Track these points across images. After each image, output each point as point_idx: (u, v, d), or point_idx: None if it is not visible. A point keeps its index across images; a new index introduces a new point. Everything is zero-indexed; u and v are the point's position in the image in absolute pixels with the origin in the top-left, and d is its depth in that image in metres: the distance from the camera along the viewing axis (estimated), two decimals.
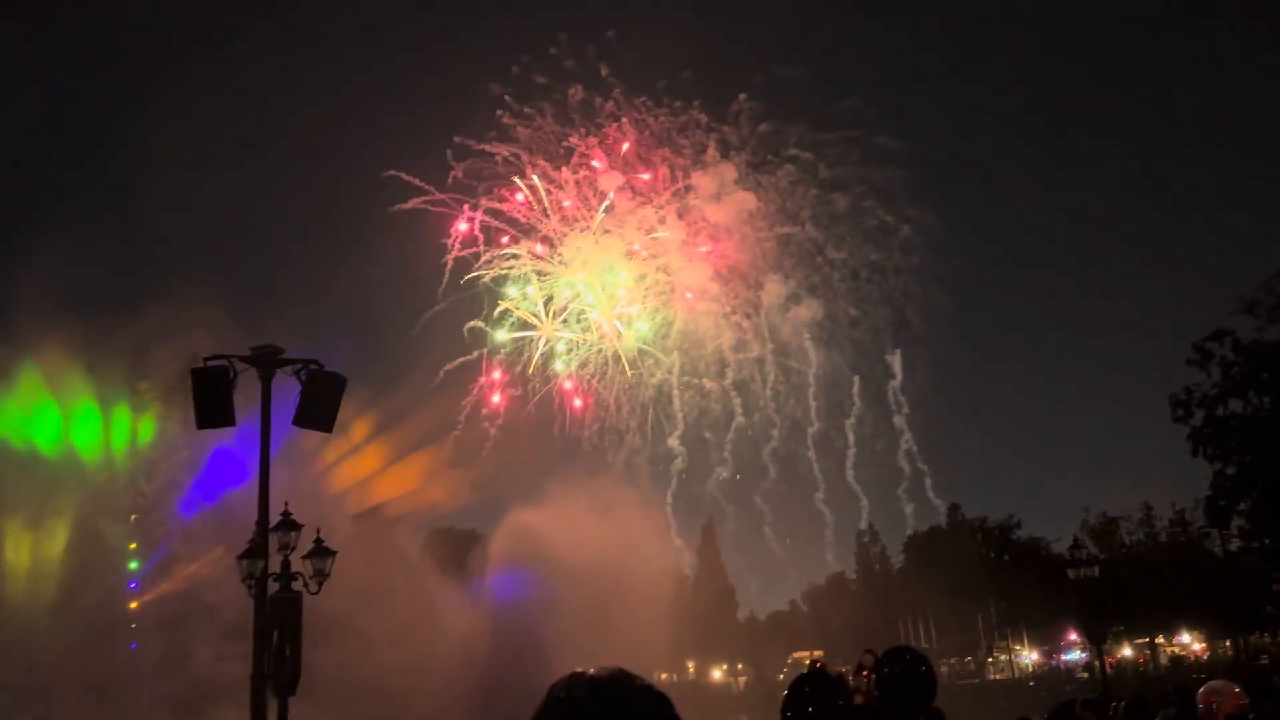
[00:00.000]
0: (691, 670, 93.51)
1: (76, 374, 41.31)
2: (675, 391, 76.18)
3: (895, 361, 79.16)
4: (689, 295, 74.53)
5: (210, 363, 16.29)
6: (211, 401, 16.27)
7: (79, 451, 41.27)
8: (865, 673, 14.56)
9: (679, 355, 75.44)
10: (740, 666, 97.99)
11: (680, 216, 74.13)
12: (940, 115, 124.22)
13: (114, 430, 41.95)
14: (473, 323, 72.12)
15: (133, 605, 42.49)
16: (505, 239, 72.44)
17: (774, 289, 76.25)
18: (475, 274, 71.83)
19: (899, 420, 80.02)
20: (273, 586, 16.03)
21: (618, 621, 46.95)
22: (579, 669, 2.09)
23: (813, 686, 4.79)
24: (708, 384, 76.72)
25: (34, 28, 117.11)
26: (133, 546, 42.69)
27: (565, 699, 2.01)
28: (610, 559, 51.99)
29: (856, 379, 79.27)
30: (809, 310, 77.07)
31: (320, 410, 16.82)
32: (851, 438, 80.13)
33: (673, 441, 77.84)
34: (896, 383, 79.21)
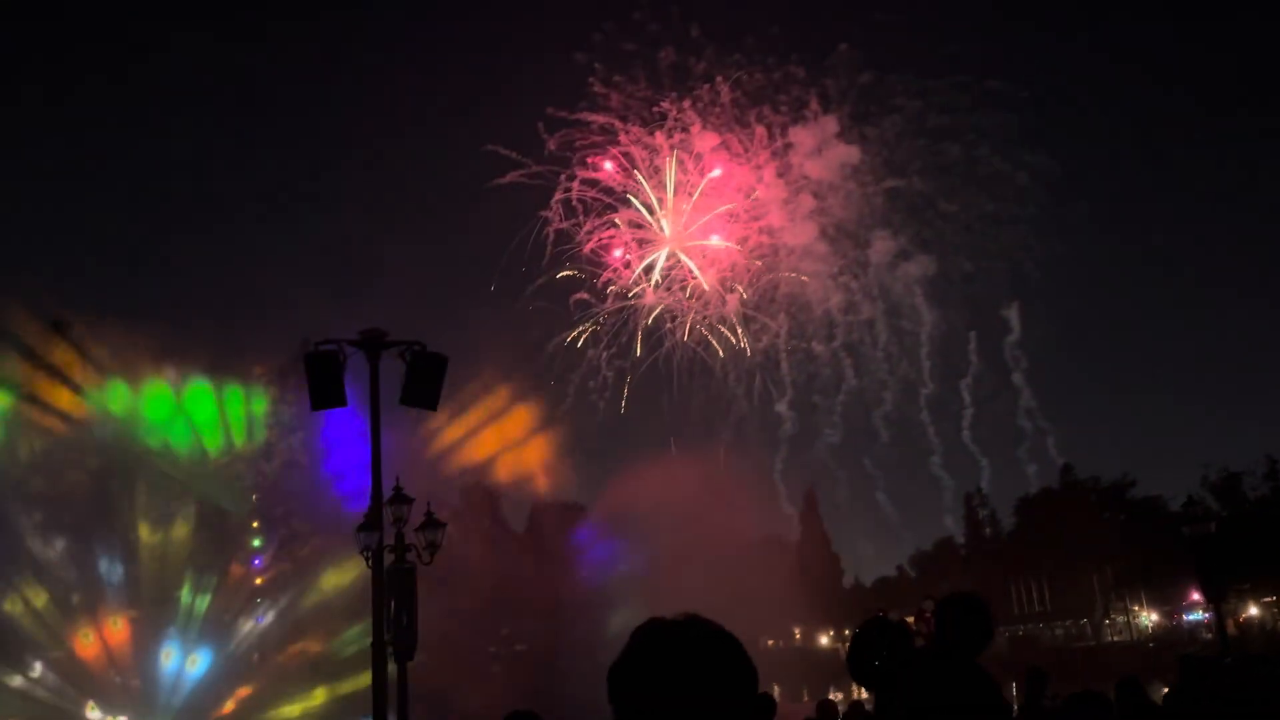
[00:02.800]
0: (798, 636, 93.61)
1: (193, 364, 43.30)
2: (783, 356, 75.40)
3: (1013, 315, 76.33)
4: (795, 256, 73.30)
5: (321, 347, 17.03)
6: (324, 384, 17.05)
7: (203, 440, 43.37)
8: (927, 615, 14.50)
9: (786, 318, 74.52)
10: (846, 633, 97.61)
11: (780, 175, 72.79)
12: (1052, 54, 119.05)
13: (230, 415, 43.90)
14: (577, 294, 72.54)
15: (259, 581, 44.57)
16: (603, 208, 72.48)
17: (883, 246, 74.01)
18: (575, 245, 72.20)
19: (1018, 377, 77.52)
20: (389, 559, 16.81)
21: (723, 589, 47.30)
22: (656, 616, 2.22)
23: (875, 635, 4.99)
24: (816, 347, 75.67)
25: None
26: (255, 525, 44.68)
27: (643, 642, 2.14)
28: (717, 527, 52.29)
29: (973, 335, 76.85)
30: (920, 266, 74.61)
31: (425, 389, 17.45)
32: (968, 398, 77.95)
33: (781, 407, 77.17)
34: (1014, 337, 76.50)
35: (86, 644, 41.46)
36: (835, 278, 74.50)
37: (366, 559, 16.80)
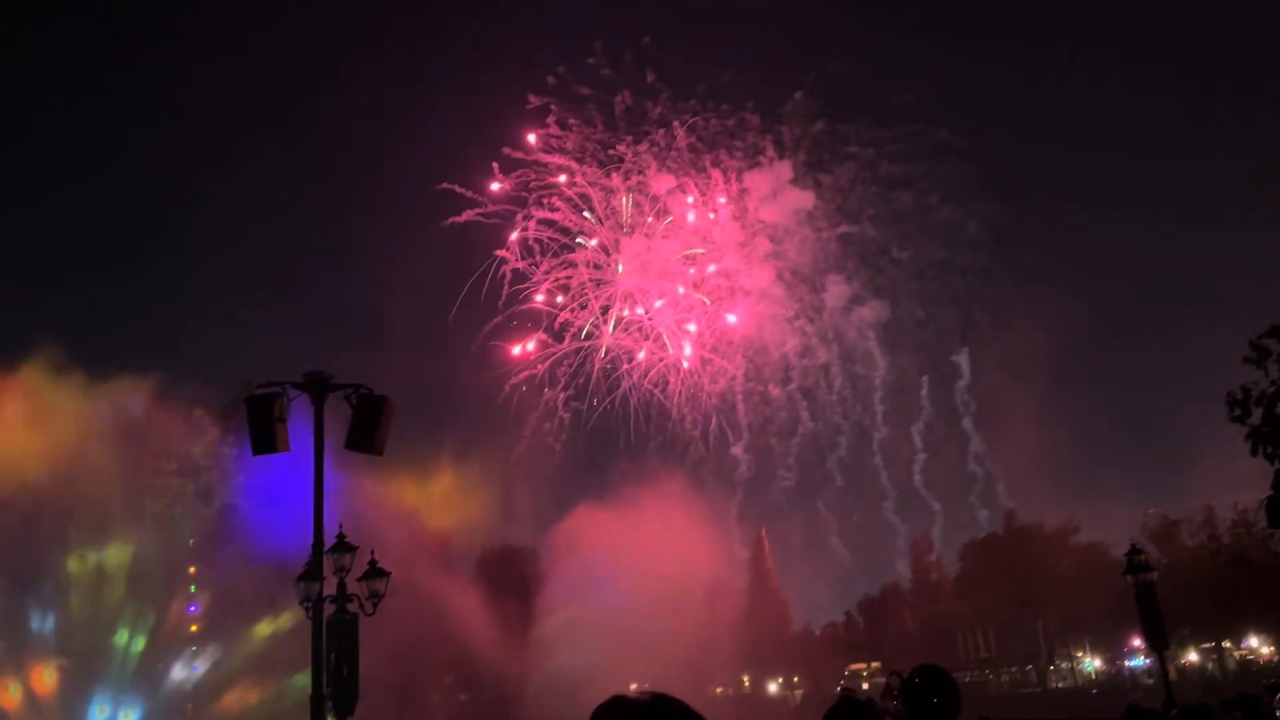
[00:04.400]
0: (747, 684, 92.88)
1: (136, 404, 42.29)
2: (739, 398, 75.67)
3: (963, 361, 77.78)
4: (749, 299, 73.98)
5: (262, 390, 16.64)
6: (264, 428, 16.62)
7: (139, 483, 42.20)
8: (893, 693, 14.50)
9: (743, 360, 74.92)
10: (796, 679, 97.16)
11: (736, 219, 73.71)
12: (1003, 105, 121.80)
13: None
14: (533, 335, 72.38)
15: (193, 629, 43.29)
16: (559, 249, 72.69)
17: (837, 290, 75.19)
18: (531, 285, 72.17)
19: (967, 423, 78.74)
20: (330, 608, 16.33)
21: (673, 635, 46.86)
22: (619, 694, 2.11)
23: (846, 714, 4.93)
24: (773, 390, 76.09)
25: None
26: (191, 570, 43.54)
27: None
28: (669, 571, 51.91)
29: (925, 380, 78.00)
30: (874, 311, 75.88)
31: (369, 433, 17.11)
32: (919, 442, 79.02)
33: (737, 450, 77.30)
34: (964, 382, 77.82)
35: (10, 695, 39.82)
36: (791, 321, 75.45)
37: (306, 609, 16.28)
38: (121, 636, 40.69)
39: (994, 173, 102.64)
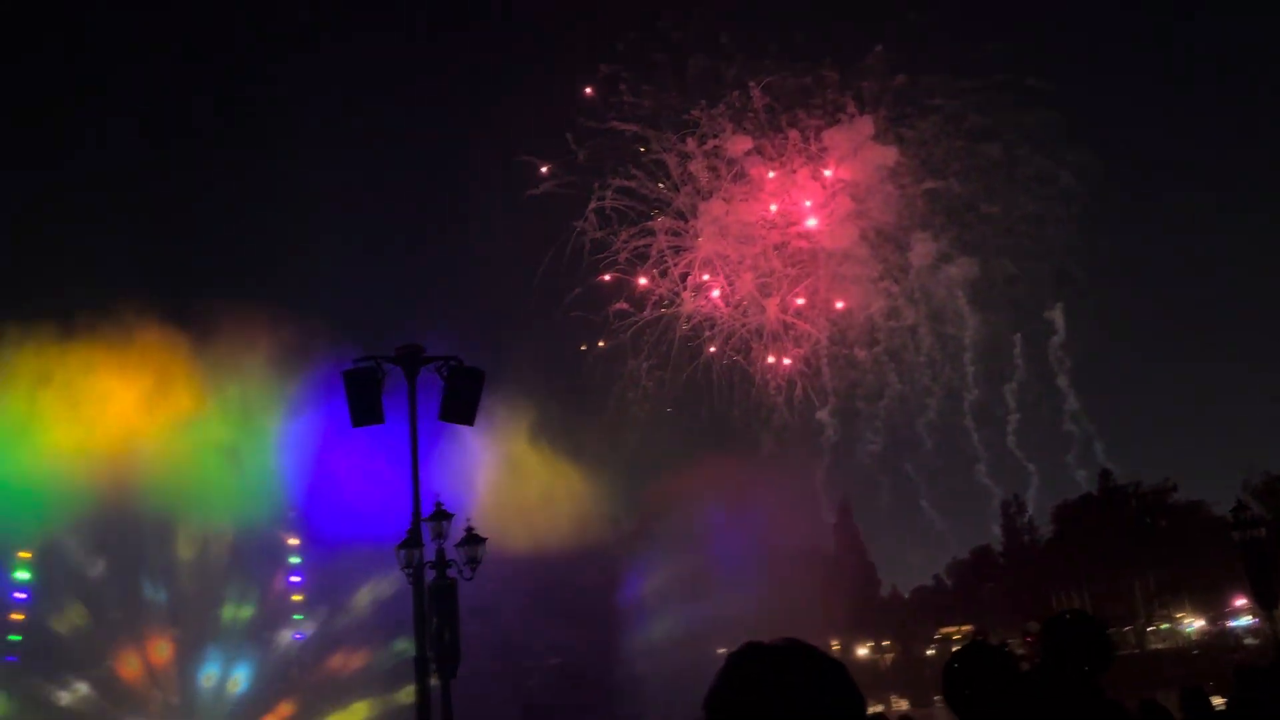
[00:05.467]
0: (836, 648, 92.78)
1: (234, 379, 43.32)
2: (824, 362, 74.76)
3: (1057, 317, 75.06)
4: (833, 261, 72.72)
5: (359, 364, 17.18)
6: (363, 401, 17.21)
7: (243, 456, 43.47)
8: (1029, 639, 14.15)
9: (827, 324, 73.89)
10: (886, 643, 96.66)
11: (816, 179, 72.39)
12: (1093, 49, 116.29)
13: (270, 430, 43.99)
14: (615, 304, 72.48)
15: (297, 597, 44.77)
16: (636, 216, 72.45)
17: (924, 249, 73.00)
18: (609, 254, 72.23)
19: (1062, 381, 76.36)
20: (431, 574, 16.85)
21: (760, 602, 47.00)
22: (754, 640, 2.15)
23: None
24: (859, 353, 74.93)
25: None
26: (294, 541, 44.85)
27: (744, 669, 2.08)
28: (755, 538, 52.00)
29: (1018, 338, 75.71)
30: (962, 269, 73.41)
31: (462, 404, 17.57)
32: (1013, 403, 76.85)
33: (822, 415, 76.46)
34: (1059, 339, 75.27)
35: (129, 663, 41.85)
36: (876, 282, 73.92)
37: (408, 575, 16.86)
38: (229, 609, 42.35)
39: (1086, 120, 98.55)
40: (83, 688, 40.43)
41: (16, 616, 36.32)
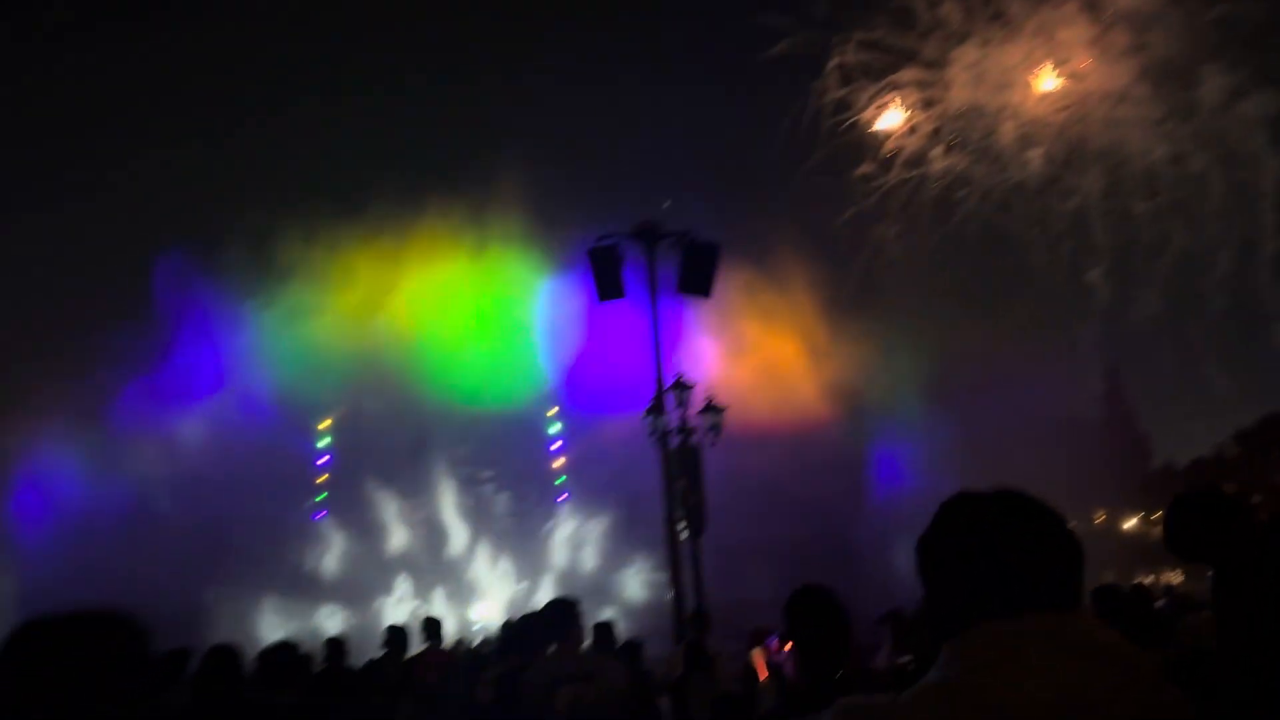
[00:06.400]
0: (1102, 518, 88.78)
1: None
2: (1095, 218, 69.03)
3: None
4: (1107, 103, 66.16)
5: (601, 241, 17.91)
6: (607, 277, 18.03)
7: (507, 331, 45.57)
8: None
9: (1099, 175, 67.88)
10: (1155, 516, 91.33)
11: (1085, 12, 65.40)
12: None
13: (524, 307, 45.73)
14: (860, 168, 69.74)
15: (556, 464, 47.35)
16: (884, 70, 68.65)
17: (1215, 84, 64.79)
18: (854, 114, 69.24)
19: None
20: (675, 441, 17.67)
21: (1019, 469, 45.40)
22: (966, 489, 2.13)
23: (1203, 505, 4.28)
24: (1136, 206, 68.54)
25: None
26: (551, 414, 47.17)
27: (955, 515, 2.08)
28: (1016, 407, 50.18)
29: None
30: (1260, 105, 64.80)
31: (699, 278, 18.00)
32: None
33: (1093, 276, 71.12)
34: None
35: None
36: (1158, 125, 66.61)
37: (654, 441, 17.85)
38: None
39: None
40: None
41: (321, 479, 40.83)
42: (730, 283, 43.35)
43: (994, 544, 2.01)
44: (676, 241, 17.99)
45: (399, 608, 34.59)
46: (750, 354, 48.48)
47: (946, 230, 69.67)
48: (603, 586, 38.28)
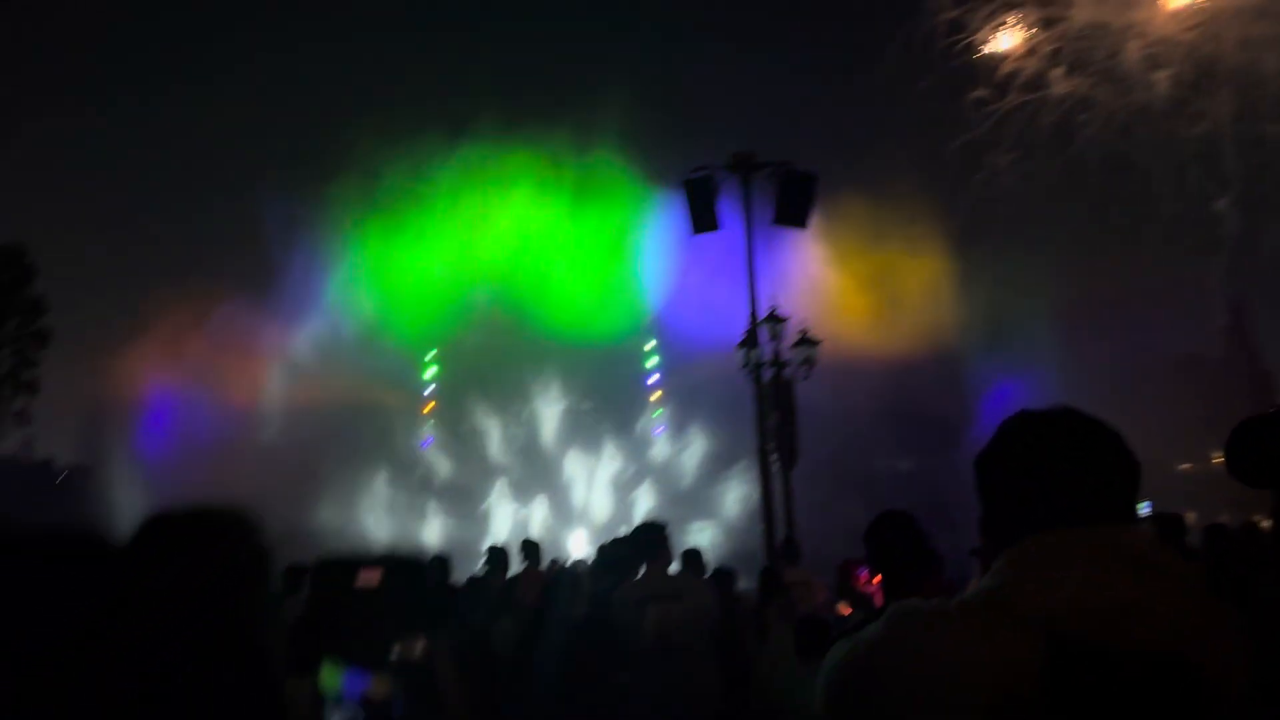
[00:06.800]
0: (1218, 460, 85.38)
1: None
2: (1226, 143, 65.09)
3: None
4: (1241, 20, 61.95)
5: (697, 173, 17.81)
6: (702, 209, 17.95)
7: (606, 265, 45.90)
8: None
9: (1231, 97, 63.84)
10: None
11: None
12: None
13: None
14: (973, 92, 66.88)
15: (653, 397, 47.66)
16: None
17: None
18: (968, 36, 66.30)
19: None
20: (768, 375, 17.69)
21: (1134, 411, 43.88)
22: (1027, 408, 2.17)
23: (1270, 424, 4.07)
24: (1271, 129, 64.25)
25: None
26: (648, 346, 47.41)
27: (1013, 432, 2.14)
28: (1132, 343, 48.38)
29: None
30: None
31: (795, 209, 17.77)
32: None
33: (1221, 204, 67.29)
34: None
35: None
36: None
37: (747, 374, 17.88)
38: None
39: None
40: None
41: (427, 409, 42.08)
42: (831, 213, 42.69)
43: (1049, 457, 2.07)
44: (774, 172, 17.73)
45: (500, 530, 35.70)
46: (850, 286, 47.66)
47: (1065, 157, 66.70)
48: (696, 513, 38.83)
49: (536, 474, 40.58)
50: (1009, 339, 53.13)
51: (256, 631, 2.26)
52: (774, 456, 17.43)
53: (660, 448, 43.03)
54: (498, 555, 11.80)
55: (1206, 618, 1.94)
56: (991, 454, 2.15)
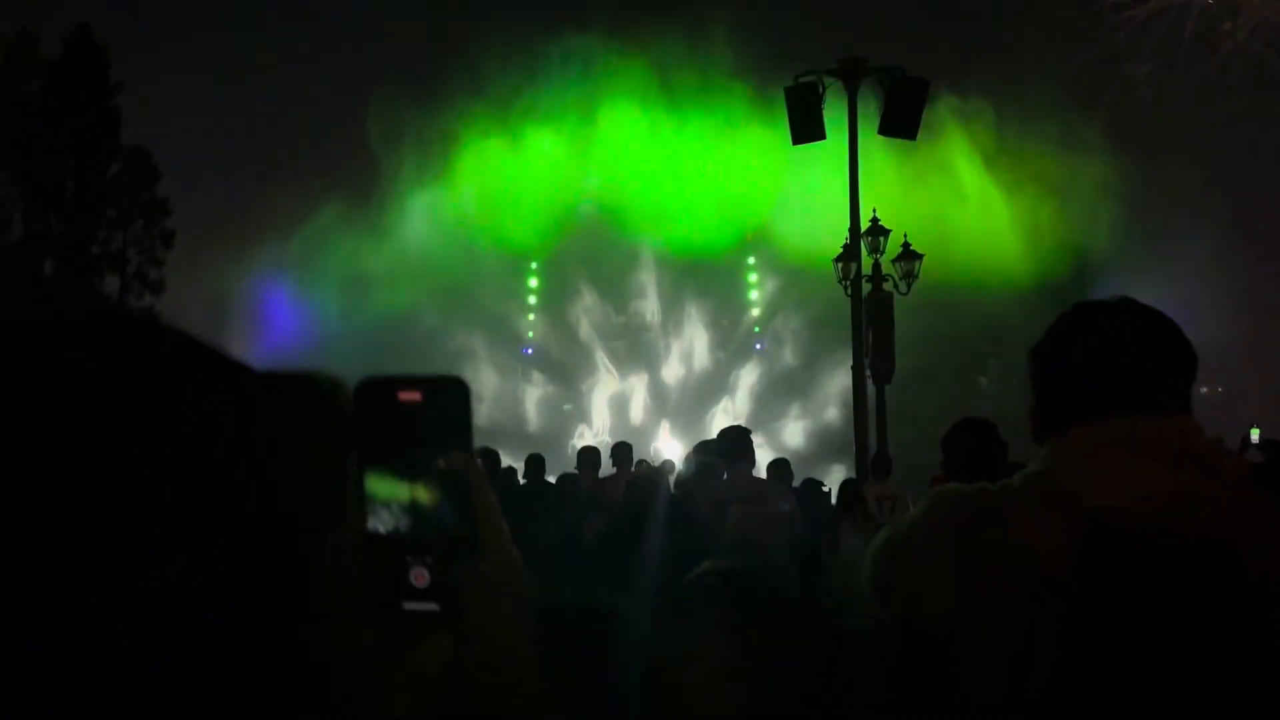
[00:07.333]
0: None
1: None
2: None
3: None
4: None
5: (800, 79, 17.31)
6: (805, 117, 17.48)
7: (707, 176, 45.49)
8: None
9: None
10: None
11: None
12: None
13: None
14: None
15: (755, 311, 47.52)
16: None
17: None
18: None
19: None
20: (866, 288, 17.41)
21: (1258, 337, 41.87)
22: (1084, 300, 2.27)
23: None
24: None
25: None
26: (750, 261, 46.93)
27: (1071, 321, 2.16)
28: (1267, 263, 45.89)
29: None
30: None
31: (904, 118, 17.18)
32: None
33: None
34: None
35: None
36: None
37: (845, 288, 17.59)
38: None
39: None
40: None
41: (530, 316, 42.83)
42: (945, 124, 41.17)
43: (1102, 346, 2.07)
44: (882, 78, 17.11)
45: (597, 437, 36.47)
46: (965, 202, 46.08)
47: (1208, 69, 62.26)
48: (790, 426, 39.13)
49: (634, 384, 41.07)
50: (1132, 261, 50.77)
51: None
52: (868, 372, 17.27)
53: (758, 361, 43.00)
54: (589, 455, 12.14)
55: (1252, 512, 1.93)
56: (1046, 343, 2.17)
